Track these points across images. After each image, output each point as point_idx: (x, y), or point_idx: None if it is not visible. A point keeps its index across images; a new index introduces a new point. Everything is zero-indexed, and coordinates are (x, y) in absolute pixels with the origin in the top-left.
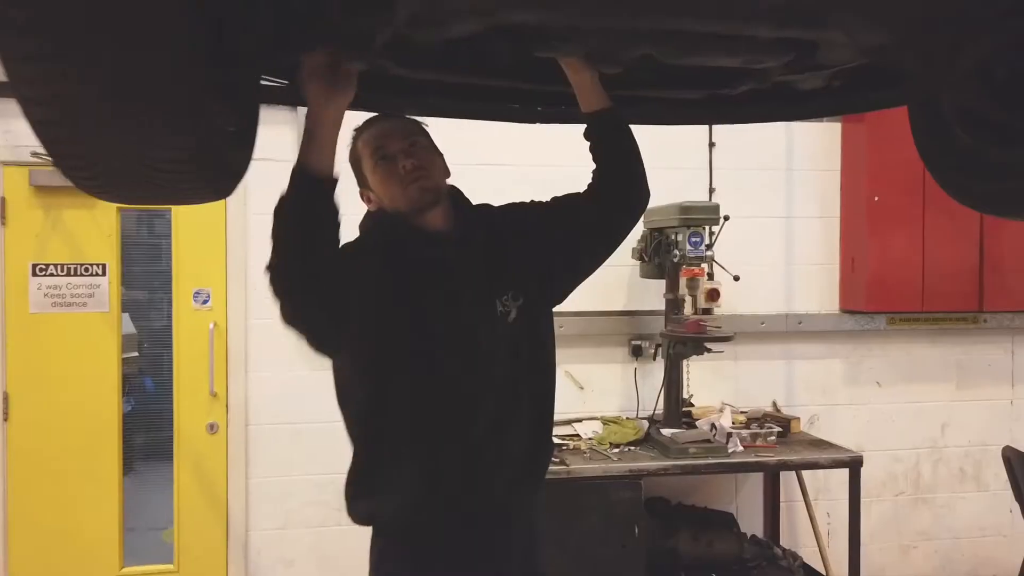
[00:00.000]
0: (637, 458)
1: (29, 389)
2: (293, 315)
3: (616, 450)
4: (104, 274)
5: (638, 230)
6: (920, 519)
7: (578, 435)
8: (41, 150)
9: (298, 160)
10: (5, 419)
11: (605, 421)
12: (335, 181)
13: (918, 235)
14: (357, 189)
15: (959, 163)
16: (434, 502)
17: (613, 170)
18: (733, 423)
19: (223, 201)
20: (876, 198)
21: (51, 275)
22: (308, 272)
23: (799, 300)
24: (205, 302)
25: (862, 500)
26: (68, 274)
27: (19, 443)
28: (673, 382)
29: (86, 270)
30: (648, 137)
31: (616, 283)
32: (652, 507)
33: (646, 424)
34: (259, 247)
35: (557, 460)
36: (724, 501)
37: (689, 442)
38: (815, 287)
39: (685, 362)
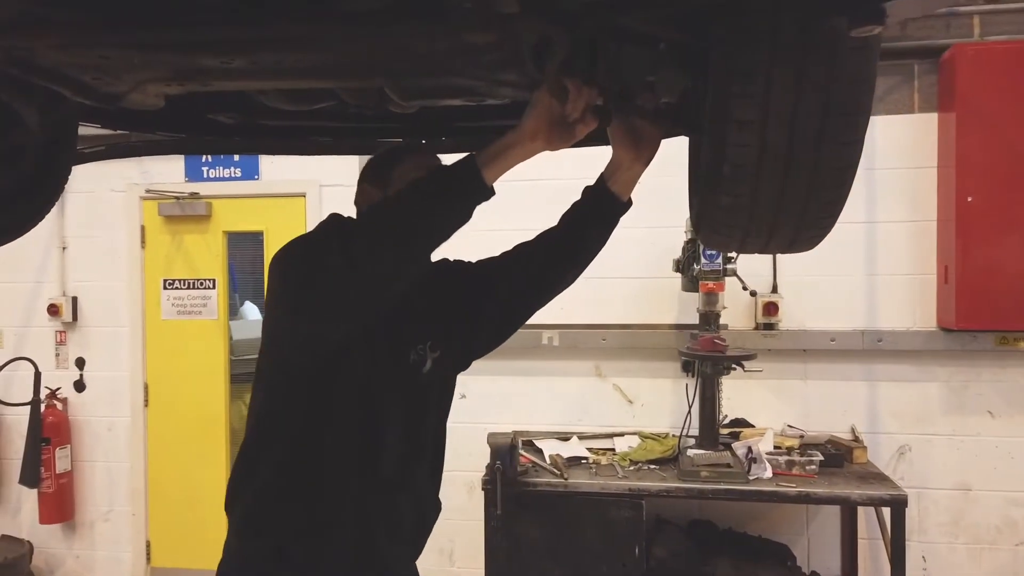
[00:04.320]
0: (645, 477)
1: (162, 381)
2: (376, 294)
3: (634, 467)
4: (214, 288)
5: (679, 241)
6: None
7: (612, 449)
8: (169, 187)
9: (478, 160)
10: (146, 404)
11: (643, 436)
12: (490, 194)
13: (1021, 241)
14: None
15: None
16: (321, 533)
17: (569, 253)
18: (784, 448)
19: (304, 223)
20: (969, 198)
21: (176, 288)
22: (406, 256)
23: (884, 315)
24: None
25: (968, 547)
26: (188, 287)
27: (155, 425)
28: (707, 400)
29: (201, 284)
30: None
31: (667, 296)
32: (693, 531)
33: (688, 443)
34: None
35: (557, 472)
36: (792, 532)
37: (705, 465)
38: (905, 301)
39: (724, 379)
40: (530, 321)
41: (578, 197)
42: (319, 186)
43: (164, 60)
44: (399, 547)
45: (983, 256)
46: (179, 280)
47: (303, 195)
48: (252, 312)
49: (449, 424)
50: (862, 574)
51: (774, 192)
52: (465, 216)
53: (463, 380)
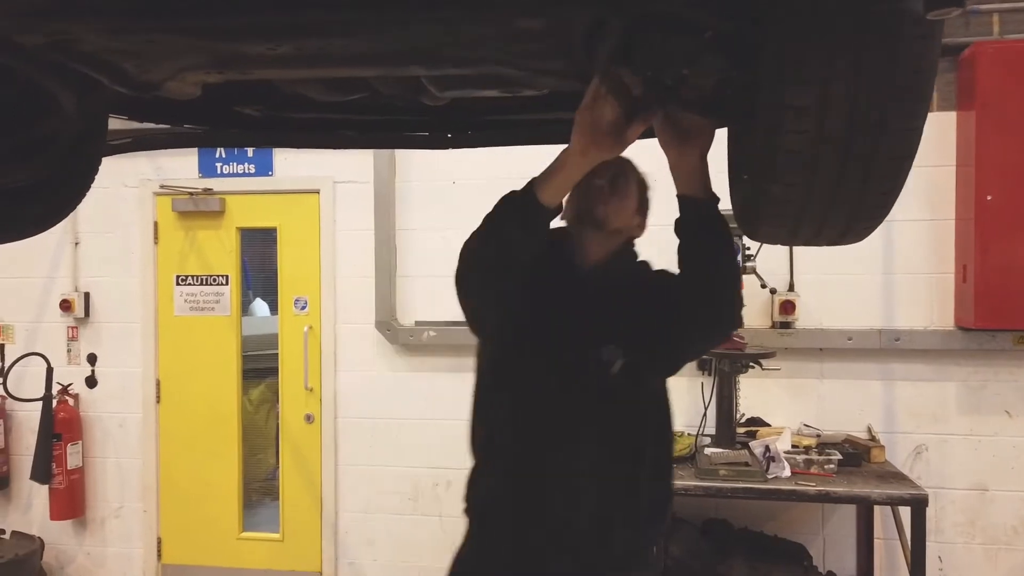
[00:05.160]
0: None
1: (174, 377)
2: (472, 318)
3: None
4: (227, 284)
5: None
6: None
7: None
8: (182, 183)
9: (532, 182)
10: (158, 400)
11: None
12: (553, 212)
13: None
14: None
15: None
16: (504, 516)
17: (688, 279)
18: (802, 447)
19: (317, 220)
20: (989, 197)
21: (189, 284)
22: (490, 286)
23: (902, 314)
24: (303, 308)
25: (984, 547)
26: (201, 284)
27: (166, 422)
28: (724, 398)
29: (214, 280)
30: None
31: None
32: (709, 530)
33: (704, 441)
34: (346, 260)
35: None
36: (807, 532)
37: (723, 463)
38: (922, 300)
39: (741, 378)
40: None
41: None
42: (333, 183)
43: (209, 47)
44: (561, 553)
45: (1002, 255)
46: (192, 276)
47: (317, 191)
48: (261, 309)
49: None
50: (878, 574)
51: (830, 181)
52: (528, 233)
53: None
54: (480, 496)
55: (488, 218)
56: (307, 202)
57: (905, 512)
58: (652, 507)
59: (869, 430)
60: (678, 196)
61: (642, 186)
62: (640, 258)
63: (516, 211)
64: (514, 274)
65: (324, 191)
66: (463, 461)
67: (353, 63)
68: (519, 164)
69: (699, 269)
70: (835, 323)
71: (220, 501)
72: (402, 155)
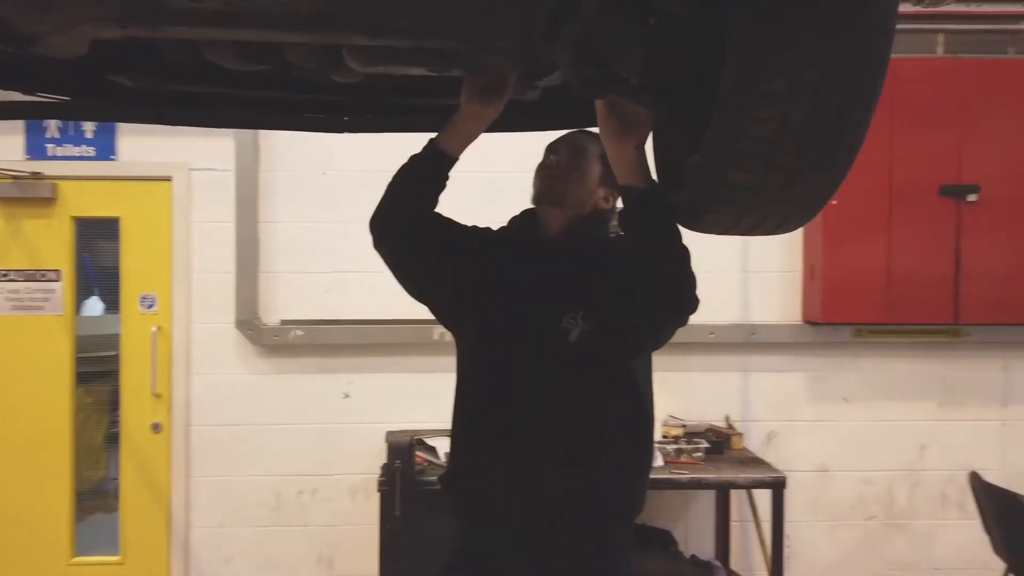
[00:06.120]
0: None
1: None
2: (387, 257)
3: None
4: (59, 279)
5: None
6: (895, 547)
7: None
8: (5, 165)
9: (436, 136)
10: None
11: None
12: (450, 159)
13: (883, 241)
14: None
15: (667, 172)
16: (476, 493)
17: (638, 269)
18: (671, 437)
19: (169, 210)
20: (834, 201)
21: (12, 280)
22: (402, 221)
23: (757, 310)
24: (151, 306)
25: (826, 524)
26: (27, 280)
27: None
28: None
29: (43, 275)
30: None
31: None
32: None
33: None
34: (202, 253)
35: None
36: (671, 518)
37: None
38: (775, 296)
39: None
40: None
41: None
42: (188, 170)
43: None
44: (512, 502)
45: (846, 255)
46: (15, 271)
47: (169, 179)
48: (93, 307)
49: (329, 426)
50: (734, 554)
51: (786, 169)
52: (431, 178)
53: (349, 379)
54: (447, 475)
55: (394, 177)
56: (157, 190)
57: (760, 495)
58: (614, 486)
59: (727, 420)
60: (620, 187)
61: (606, 159)
62: (615, 233)
63: (418, 161)
64: (425, 222)
65: (178, 179)
66: (330, 467)
67: (290, 26)
68: (395, 156)
69: (647, 257)
70: (699, 319)
71: (49, 522)
72: (267, 142)
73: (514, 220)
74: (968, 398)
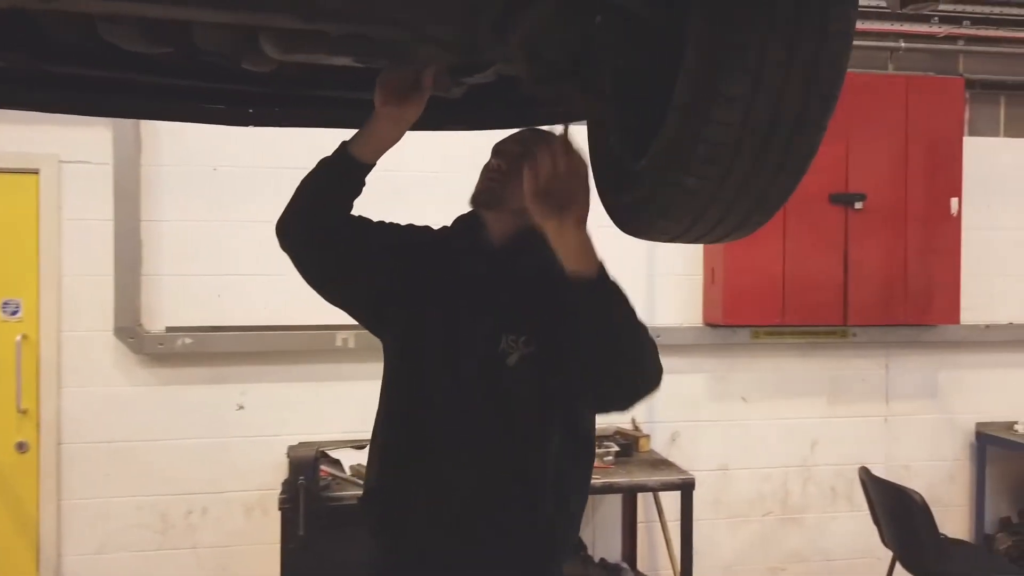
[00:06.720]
0: None
1: None
2: (295, 263)
3: None
4: None
5: None
6: (790, 540)
7: None
8: None
9: (349, 140)
10: None
11: None
12: (364, 166)
13: (778, 247)
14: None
15: (607, 176)
16: (370, 498)
17: (591, 360)
18: None
19: (35, 206)
20: None
21: None
22: (308, 229)
23: (661, 312)
24: (14, 313)
25: (727, 521)
26: None
27: None
28: None
29: None
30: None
31: None
32: None
33: None
34: (76, 256)
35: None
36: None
37: None
38: (678, 299)
39: None
40: (323, 322)
41: None
42: (58, 162)
43: None
44: (436, 529)
45: (744, 259)
46: None
47: (36, 171)
48: None
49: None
50: (640, 555)
51: (743, 175)
52: (334, 183)
53: (243, 389)
54: (365, 495)
55: (301, 183)
56: (21, 184)
57: (666, 495)
58: (550, 516)
59: (633, 422)
60: (567, 275)
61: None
62: None
63: (328, 168)
64: (336, 229)
65: (46, 172)
66: (222, 484)
67: (207, 4)
68: (289, 152)
69: (605, 350)
70: None
71: None
72: (150, 134)
73: (458, 221)
74: (854, 396)
